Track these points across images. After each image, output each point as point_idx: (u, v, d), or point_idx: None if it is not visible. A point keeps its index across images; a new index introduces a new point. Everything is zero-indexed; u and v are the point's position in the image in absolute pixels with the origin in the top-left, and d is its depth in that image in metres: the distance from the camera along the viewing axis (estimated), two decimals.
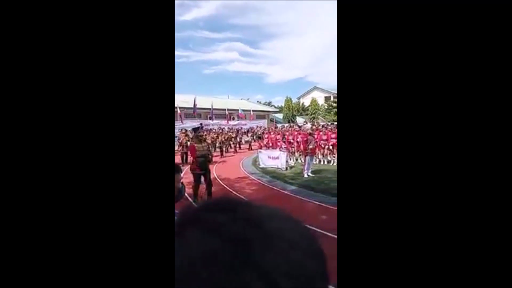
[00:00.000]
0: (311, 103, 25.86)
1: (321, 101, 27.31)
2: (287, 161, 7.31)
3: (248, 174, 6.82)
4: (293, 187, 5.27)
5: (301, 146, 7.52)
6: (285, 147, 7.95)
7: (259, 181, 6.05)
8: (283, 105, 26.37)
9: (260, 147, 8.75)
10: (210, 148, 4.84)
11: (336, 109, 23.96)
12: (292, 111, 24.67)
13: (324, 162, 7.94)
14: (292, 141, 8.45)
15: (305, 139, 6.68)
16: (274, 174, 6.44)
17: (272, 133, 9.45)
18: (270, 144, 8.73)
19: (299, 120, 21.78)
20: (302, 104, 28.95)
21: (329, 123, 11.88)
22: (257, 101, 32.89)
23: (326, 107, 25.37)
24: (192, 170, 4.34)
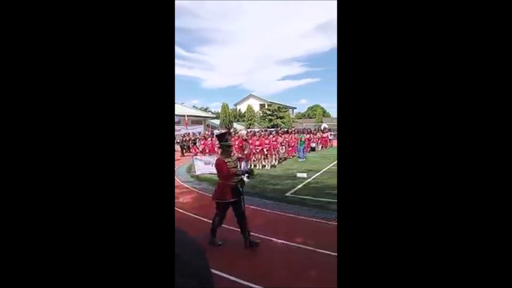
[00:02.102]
0: (247, 110, 26.72)
1: (256, 108, 28.55)
2: None
3: (181, 183, 6.45)
4: None
5: (237, 152, 7.62)
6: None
7: (194, 189, 5.81)
8: (220, 111, 26.32)
9: (196, 154, 8.43)
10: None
11: (269, 117, 25.45)
12: (229, 117, 24.86)
13: (259, 166, 8.25)
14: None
15: (240, 144, 6.80)
16: (210, 182, 6.30)
17: (208, 139, 9.26)
18: (207, 151, 8.53)
19: (236, 126, 22.14)
20: (239, 110, 29.62)
21: (263, 130, 12.51)
22: (193, 106, 31.78)
23: (261, 115, 26.64)
24: (218, 197, 2.88)
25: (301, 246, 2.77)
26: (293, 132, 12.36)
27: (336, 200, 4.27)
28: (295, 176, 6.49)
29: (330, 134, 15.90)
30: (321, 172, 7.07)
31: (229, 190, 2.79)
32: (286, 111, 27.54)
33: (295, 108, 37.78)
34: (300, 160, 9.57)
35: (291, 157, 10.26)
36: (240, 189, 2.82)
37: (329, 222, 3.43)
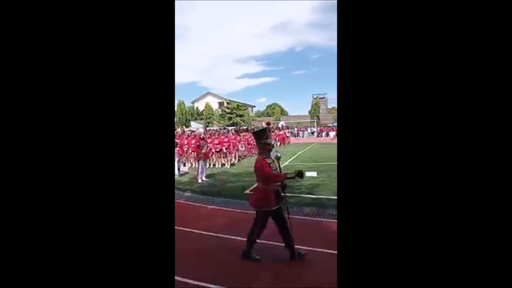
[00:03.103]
0: (205, 108, 26.00)
1: (215, 106, 27.99)
2: (179, 168, 6.89)
3: None
4: (188, 194, 4.99)
5: (193, 151, 7.30)
6: (176, 153, 7.47)
7: None
8: (176, 109, 25.04)
9: None
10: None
11: (229, 115, 25.25)
12: (186, 115, 23.84)
13: (218, 165, 8.06)
14: (186, 146, 8.09)
15: (197, 143, 6.53)
16: None
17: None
18: None
19: (194, 124, 21.34)
20: (197, 108, 28.63)
21: (223, 128, 12.30)
22: None
23: (220, 112, 26.24)
24: (260, 204, 2.35)
25: (264, 242, 2.75)
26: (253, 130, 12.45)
27: (293, 195, 4.40)
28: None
29: (288, 132, 16.52)
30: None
31: (273, 195, 2.29)
32: (245, 109, 27.69)
33: (255, 106, 38.34)
34: None
35: (251, 155, 10.31)
36: (282, 193, 2.36)
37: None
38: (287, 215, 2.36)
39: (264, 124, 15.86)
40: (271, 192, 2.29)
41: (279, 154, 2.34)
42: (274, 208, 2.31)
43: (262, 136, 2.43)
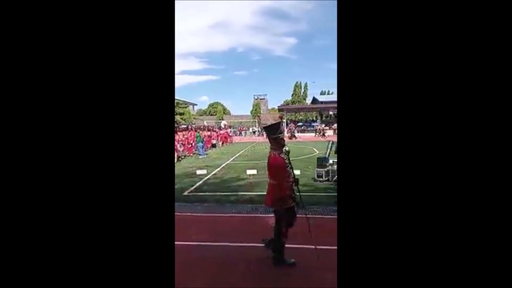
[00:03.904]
0: None
1: None
2: None
3: None
4: None
5: None
6: None
7: None
8: None
9: None
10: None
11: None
12: None
13: None
14: None
15: None
16: None
17: None
18: None
19: None
20: None
21: None
22: None
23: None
24: (279, 203, 2.14)
25: (199, 243, 2.74)
26: (194, 129, 12.07)
27: (232, 193, 4.52)
28: (195, 173, 6.37)
29: (230, 131, 16.64)
30: (220, 167, 7.27)
31: (289, 193, 2.16)
32: (186, 107, 26.51)
33: (196, 104, 37.05)
34: (200, 157, 9.48)
35: (190, 155, 9.99)
36: (295, 189, 2.21)
37: (225, 215, 3.58)
38: (305, 213, 2.21)
39: (205, 123, 15.50)
40: (286, 188, 2.16)
41: (287, 148, 2.16)
42: (290, 205, 2.18)
43: (275, 131, 2.23)
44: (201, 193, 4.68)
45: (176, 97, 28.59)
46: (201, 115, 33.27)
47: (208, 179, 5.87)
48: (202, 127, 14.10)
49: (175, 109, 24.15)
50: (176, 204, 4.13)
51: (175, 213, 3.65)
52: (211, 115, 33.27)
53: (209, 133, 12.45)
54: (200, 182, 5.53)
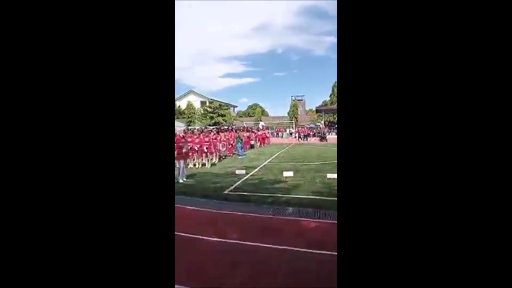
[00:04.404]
0: (187, 106, 25.59)
1: (197, 105, 27.63)
2: None
3: None
4: None
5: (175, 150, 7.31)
6: None
7: None
8: None
9: None
10: None
11: (211, 114, 25.06)
12: None
13: (199, 165, 8.13)
14: None
15: (178, 143, 6.57)
16: None
17: None
18: None
19: (175, 123, 20.96)
20: (178, 107, 28.08)
21: (204, 127, 12.31)
22: None
23: (202, 112, 25.96)
24: None
25: (238, 242, 2.93)
26: (234, 130, 12.58)
27: (270, 194, 4.65)
28: (235, 173, 6.69)
29: (268, 132, 16.81)
30: (258, 168, 7.48)
31: None
32: (227, 109, 27.62)
33: (236, 106, 38.30)
34: (239, 157, 9.86)
35: (231, 155, 10.44)
36: None
37: (265, 216, 3.72)
38: None
39: (244, 125, 15.89)
40: None
41: None
42: None
43: None
44: (240, 193, 4.92)
45: (218, 100, 30.00)
46: (240, 117, 34.26)
47: (246, 179, 6.11)
48: (241, 128, 14.58)
49: (217, 110, 25.40)
50: (217, 201, 4.43)
51: (215, 210, 3.94)
52: (250, 116, 34.00)
53: (248, 134, 12.83)
54: (239, 182, 5.80)
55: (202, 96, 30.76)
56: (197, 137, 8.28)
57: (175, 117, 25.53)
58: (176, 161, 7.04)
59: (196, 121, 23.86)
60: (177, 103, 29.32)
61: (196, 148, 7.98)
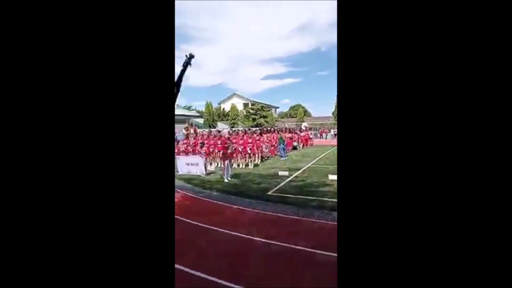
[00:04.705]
0: (231, 109, 26.64)
1: (240, 107, 28.56)
2: (206, 167, 7.31)
3: None
4: (215, 193, 5.31)
5: (220, 151, 7.68)
6: (204, 153, 7.92)
7: (183, 191, 5.79)
8: (203, 109, 26.02)
9: (178, 153, 8.37)
10: None
11: (253, 116, 25.58)
12: (213, 116, 24.67)
13: (242, 165, 8.36)
14: (212, 146, 8.51)
15: (223, 144, 6.87)
16: (195, 182, 6.31)
17: (192, 138, 9.22)
18: (190, 150, 8.49)
19: (220, 125, 22.03)
20: (223, 109, 29.47)
21: (247, 129, 12.63)
22: (177, 104, 31.03)
23: (244, 114, 26.69)
24: None
25: (280, 243, 2.92)
26: (276, 131, 12.59)
27: (314, 198, 4.50)
28: (277, 174, 6.68)
29: (311, 133, 16.34)
30: (302, 170, 7.32)
31: None
32: (269, 110, 27.83)
33: (278, 107, 38.29)
34: (282, 158, 9.81)
35: (273, 156, 10.47)
36: None
37: (309, 219, 3.62)
38: None
39: (286, 126, 15.77)
40: None
41: None
42: None
43: None
44: (284, 195, 4.88)
45: (260, 101, 30.49)
46: (282, 118, 34.13)
47: (290, 180, 6.05)
48: (283, 129, 14.50)
49: (259, 112, 25.80)
50: (261, 202, 4.49)
51: (258, 211, 3.99)
52: (292, 117, 33.58)
53: (290, 135, 12.68)
54: (282, 183, 5.77)
55: (244, 98, 31.66)
56: (240, 138, 8.54)
57: (220, 119, 26.86)
58: (221, 161, 7.40)
59: (239, 122, 24.66)
60: (222, 106, 30.78)
61: (239, 149, 8.23)
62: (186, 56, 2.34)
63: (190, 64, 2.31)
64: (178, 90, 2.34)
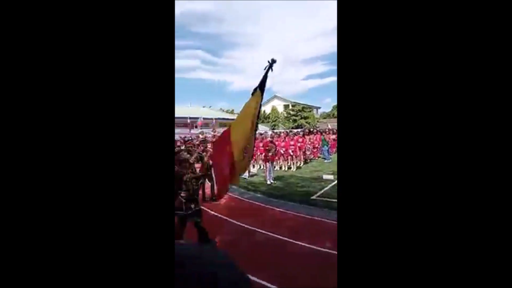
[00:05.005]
0: (271, 111, 26.80)
1: (280, 109, 28.51)
2: (249, 169, 7.49)
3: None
4: (258, 195, 5.40)
5: (262, 154, 7.78)
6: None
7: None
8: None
9: None
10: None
11: (294, 117, 25.22)
12: None
13: (285, 168, 8.32)
14: (254, 148, 8.67)
15: (266, 146, 6.94)
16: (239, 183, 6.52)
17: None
18: None
19: (261, 127, 22.36)
20: (264, 112, 29.87)
21: (288, 130, 12.53)
22: (220, 109, 32.64)
23: (285, 115, 26.54)
24: None
25: (323, 249, 2.81)
26: (320, 132, 12.17)
27: None
28: (321, 178, 6.45)
29: None
30: None
31: None
32: (310, 111, 27.10)
33: (320, 107, 36.95)
34: (326, 161, 9.44)
35: (316, 158, 10.15)
36: None
37: None
38: None
39: (329, 126, 15.14)
40: None
41: None
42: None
43: None
44: (329, 199, 4.70)
45: (301, 102, 29.94)
46: (324, 118, 32.85)
47: (335, 185, 5.78)
48: (327, 130, 13.94)
49: (300, 113, 25.33)
50: (304, 206, 4.40)
51: (304, 215, 3.91)
52: (335, 117, 32.05)
53: (334, 136, 12.12)
54: (327, 187, 5.55)
55: (285, 100, 31.48)
56: (282, 140, 8.51)
57: (261, 121, 27.19)
58: (263, 163, 7.48)
59: (279, 124, 24.62)
60: (262, 108, 31.11)
61: (282, 151, 8.21)
62: (268, 61, 2.49)
63: (271, 68, 2.45)
64: (262, 94, 2.46)
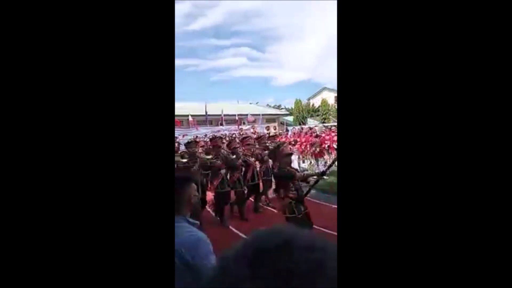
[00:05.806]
0: (321, 104, 25.67)
1: (331, 101, 27.03)
2: (299, 165, 7.33)
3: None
4: (312, 191, 5.25)
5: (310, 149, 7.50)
6: (296, 150, 7.96)
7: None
8: (293, 107, 26.36)
9: None
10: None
11: None
12: (302, 113, 24.58)
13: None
14: (304, 143, 8.45)
15: (308, 142, 6.66)
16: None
17: (283, 136, 9.48)
18: None
19: (310, 122, 21.67)
20: (313, 105, 28.80)
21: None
22: (267, 105, 32.94)
23: (336, 107, 25.05)
24: None
25: None
26: None
27: None
28: None
29: None
30: None
31: None
32: None
33: None
34: None
35: None
36: None
37: None
38: None
39: None
40: None
41: None
42: None
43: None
44: None
45: None
46: None
47: None
48: None
49: None
50: None
51: None
52: None
53: None
54: None
55: (335, 91, 29.64)
56: (334, 135, 8.06)
57: (310, 115, 26.39)
58: (314, 159, 7.23)
59: (330, 117, 23.39)
60: (311, 102, 30.12)
61: (334, 146, 7.77)
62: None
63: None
64: None
